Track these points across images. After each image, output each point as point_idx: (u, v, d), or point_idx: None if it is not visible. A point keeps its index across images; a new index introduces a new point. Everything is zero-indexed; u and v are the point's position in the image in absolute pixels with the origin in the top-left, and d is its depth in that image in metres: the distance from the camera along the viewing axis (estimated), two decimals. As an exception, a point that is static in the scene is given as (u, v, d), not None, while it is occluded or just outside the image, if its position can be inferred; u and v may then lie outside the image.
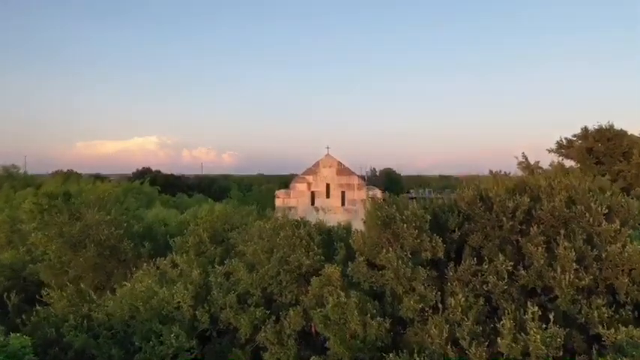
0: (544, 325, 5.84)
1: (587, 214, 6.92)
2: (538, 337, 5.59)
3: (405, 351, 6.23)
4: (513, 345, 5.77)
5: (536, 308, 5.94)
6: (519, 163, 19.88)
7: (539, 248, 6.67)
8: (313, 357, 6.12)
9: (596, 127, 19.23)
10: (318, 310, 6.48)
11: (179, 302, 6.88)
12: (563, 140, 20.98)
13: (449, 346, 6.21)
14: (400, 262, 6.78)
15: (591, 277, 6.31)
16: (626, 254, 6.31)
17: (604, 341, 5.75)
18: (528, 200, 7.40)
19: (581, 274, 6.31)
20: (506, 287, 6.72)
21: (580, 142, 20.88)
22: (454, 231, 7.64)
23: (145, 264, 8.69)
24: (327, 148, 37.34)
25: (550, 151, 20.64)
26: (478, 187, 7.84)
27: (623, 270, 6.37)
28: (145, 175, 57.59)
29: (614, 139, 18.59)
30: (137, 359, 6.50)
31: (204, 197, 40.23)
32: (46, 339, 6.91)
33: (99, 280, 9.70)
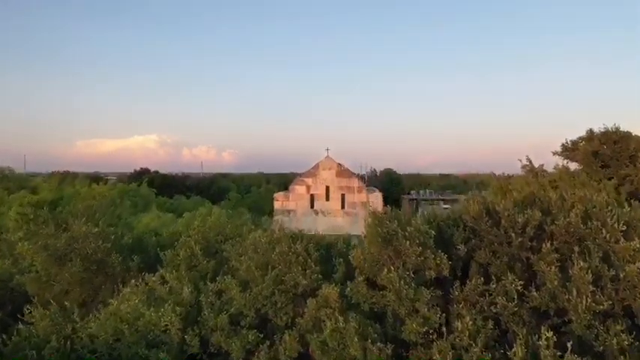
0: (559, 353, 5.40)
1: (603, 231, 6.47)
2: (554, 368, 5.15)
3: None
4: (526, 376, 5.34)
5: (550, 333, 5.50)
6: (523, 167, 19.45)
7: (552, 268, 6.22)
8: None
9: (602, 130, 18.77)
10: (316, 335, 6.04)
11: (167, 325, 6.42)
12: (569, 142, 20.53)
13: (455, 375, 5.77)
14: (402, 282, 6.33)
15: (609, 300, 5.86)
16: (647, 275, 5.87)
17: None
18: (539, 215, 6.95)
19: (598, 296, 5.86)
20: (516, 309, 6.27)
21: (583, 143, 20.47)
22: (460, 247, 7.19)
23: (133, 280, 8.24)
24: (327, 149, 36.92)
25: (555, 153, 20.20)
26: (485, 201, 7.39)
27: (642, 292, 5.93)
28: (143, 175, 57.26)
29: (620, 141, 18.14)
30: (122, 386, 6.07)
31: (202, 199, 39.86)
32: (27, 362, 6.48)
33: (86, 295, 9.26)
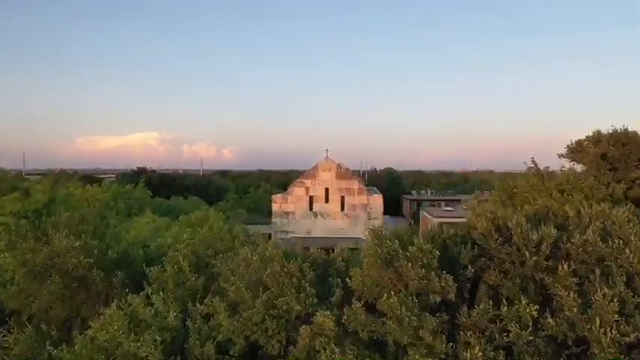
0: (580, 392, 4.85)
1: (626, 250, 5.90)
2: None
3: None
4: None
5: (570, 369, 4.94)
6: (529, 168, 18.84)
7: (571, 293, 5.64)
8: None
9: (610, 131, 18.16)
10: (310, 368, 5.47)
11: (147, 356, 5.86)
12: (573, 143, 19.92)
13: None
14: (404, 308, 5.76)
15: (635, 331, 5.28)
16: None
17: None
18: (555, 231, 6.37)
19: (623, 326, 5.30)
20: (530, 338, 5.70)
21: (587, 143, 19.86)
22: (467, 267, 6.61)
23: (116, 299, 7.68)
24: (326, 150, 36.27)
25: (560, 155, 19.60)
26: (494, 216, 6.80)
27: (672, 321, 5.35)
28: (140, 175, 56.69)
29: (629, 144, 17.53)
30: None
31: (200, 200, 39.28)
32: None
33: (68, 312, 8.70)
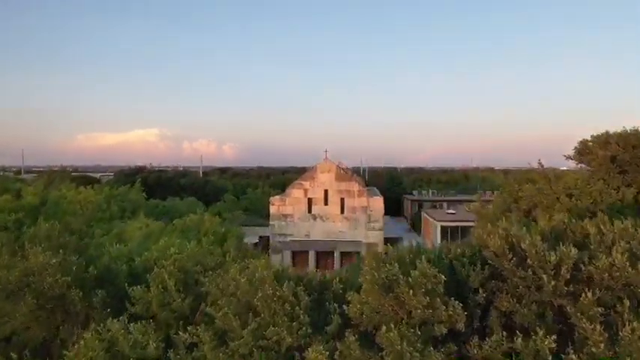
0: None
1: (656, 276, 5.28)
2: None
3: None
4: None
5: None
6: (534, 169, 18.18)
7: (596, 325, 5.02)
8: None
9: (619, 132, 17.49)
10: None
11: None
12: (578, 144, 19.25)
13: None
14: (405, 342, 5.14)
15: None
16: None
17: None
18: (575, 252, 5.74)
19: (657, 367, 4.68)
20: (551, 375, 5.10)
21: (592, 143, 19.22)
22: (478, 290, 5.99)
23: (94, 323, 7.08)
24: (326, 151, 35.51)
25: (567, 157, 18.93)
26: (507, 233, 6.18)
27: None
28: (137, 174, 56.06)
29: (639, 146, 16.85)
30: None
31: (197, 201, 38.62)
32: None
33: (45, 334, 8.08)
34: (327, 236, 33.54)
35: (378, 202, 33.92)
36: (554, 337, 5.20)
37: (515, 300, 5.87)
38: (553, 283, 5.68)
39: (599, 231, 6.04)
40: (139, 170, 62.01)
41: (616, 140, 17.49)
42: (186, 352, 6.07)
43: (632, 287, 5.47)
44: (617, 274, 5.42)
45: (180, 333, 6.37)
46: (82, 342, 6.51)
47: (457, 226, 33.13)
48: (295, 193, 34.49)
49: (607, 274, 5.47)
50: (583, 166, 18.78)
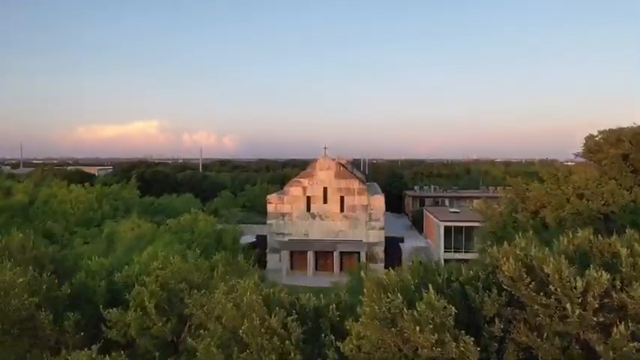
0: None
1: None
2: None
3: None
4: None
5: None
6: (546, 174, 17.47)
7: (634, 368, 4.31)
8: None
9: (633, 128, 16.71)
10: None
11: None
12: (585, 141, 18.47)
13: None
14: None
15: None
16: None
17: None
18: (606, 277, 5.01)
19: None
20: None
21: (599, 138, 18.47)
22: (493, 320, 5.28)
23: (65, 347, 6.38)
24: (325, 148, 34.63)
25: (577, 155, 18.20)
26: (525, 255, 5.44)
27: None
28: (134, 169, 55.28)
29: (651, 144, 16.08)
30: None
31: (193, 197, 37.83)
32: None
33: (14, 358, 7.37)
34: (327, 235, 32.80)
35: (379, 201, 33.11)
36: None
37: (534, 332, 5.16)
38: (579, 312, 4.96)
39: (632, 252, 5.30)
40: (138, 164, 61.30)
41: (629, 138, 16.71)
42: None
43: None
44: (656, 305, 4.69)
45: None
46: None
47: (461, 227, 32.25)
48: (294, 191, 33.70)
49: (643, 305, 4.74)
50: (584, 160, 18.09)
